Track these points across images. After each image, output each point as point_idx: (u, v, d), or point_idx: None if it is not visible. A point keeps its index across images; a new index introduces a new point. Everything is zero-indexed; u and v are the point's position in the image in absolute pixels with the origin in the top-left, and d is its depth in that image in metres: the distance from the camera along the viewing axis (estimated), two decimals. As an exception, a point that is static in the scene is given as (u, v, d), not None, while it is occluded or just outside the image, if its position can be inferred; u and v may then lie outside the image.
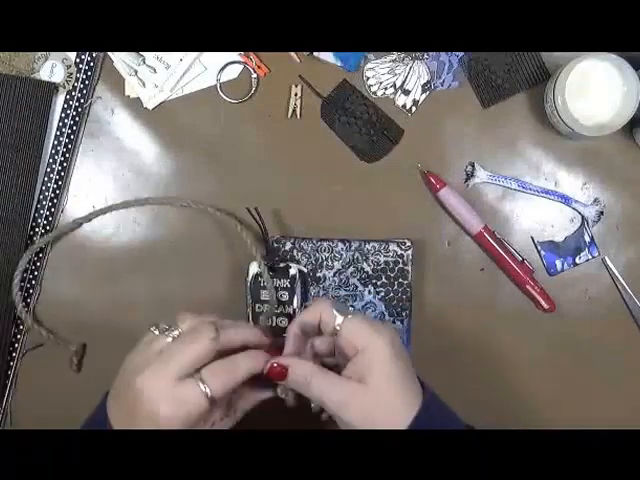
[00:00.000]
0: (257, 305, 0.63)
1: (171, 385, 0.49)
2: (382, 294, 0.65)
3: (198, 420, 0.50)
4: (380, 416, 0.50)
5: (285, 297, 0.63)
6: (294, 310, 0.63)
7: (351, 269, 0.65)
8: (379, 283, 0.65)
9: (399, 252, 0.65)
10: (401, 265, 0.65)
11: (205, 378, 0.50)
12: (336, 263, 0.65)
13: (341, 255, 0.65)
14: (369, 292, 0.65)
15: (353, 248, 0.65)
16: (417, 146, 0.68)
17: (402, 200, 0.68)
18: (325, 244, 0.65)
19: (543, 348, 0.68)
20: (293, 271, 0.63)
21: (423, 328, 0.67)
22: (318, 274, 0.65)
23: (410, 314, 0.66)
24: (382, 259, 0.65)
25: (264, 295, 0.63)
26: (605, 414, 0.67)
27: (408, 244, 0.65)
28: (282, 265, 0.63)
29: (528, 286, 0.66)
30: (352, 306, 0.65)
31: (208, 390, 0.49)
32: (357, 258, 0.65)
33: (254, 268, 0.63)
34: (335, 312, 0.52)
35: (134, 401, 0.50)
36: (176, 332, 0.52)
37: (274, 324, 0.63)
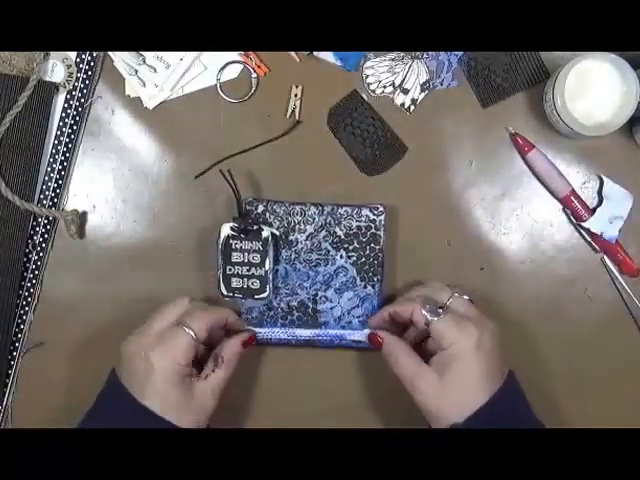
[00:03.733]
0: (228, 267, 0.64)
1: (156, 338, 0.58)
2: (354, 258, 0.66)
3: (187, 362, 0.58)
4: (447, 408, 0.55)
5: (257, 259, 0.63)
6: (265, 272, 0.63)
7: (323, 233, 0.66)
8: (351, 248, 0.66)
9: (371, 217, 0.66)
10: (373, 230, 0.66)
11: (188, 322, 0.58)
12: (308, 227, 0.66)
13: (313, 219, 0.66)
14: (341, 256, 0.66)
15: (326, 212, 0.66)
16: (416, 145, 0.68)
17: (393, 194, 0.68)
18: (298, 207, 0.66)
19: (543, 347, 0.68)
20: (265, 233, 0.63)
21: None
22: (290, 237, 0.66)
23: (382, 279, 0.66)
24: (354, 224, 0.66)
25: (235, 257, 0.63)
26: (605, 413, 0.67)
27: (380, 209, 0.66)
28: (254, 228, 0.63)
29: (619, 248, 0.67)
30: (324, 270, 0.67)
31: (191, 331, 0.58)
32: (329, 222, 0.66)
33: (226, 230, 0.63)
34: (424, 313, 0.58)
35: (128, 365, 0.58)
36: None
37: (245, 286, 0.64)
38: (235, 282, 0.64)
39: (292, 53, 0.68)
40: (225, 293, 0.65)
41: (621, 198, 0.67)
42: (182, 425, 0.56)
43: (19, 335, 0.68)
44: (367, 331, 0.65)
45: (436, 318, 0.57)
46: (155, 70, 0.68)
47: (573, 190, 0.67)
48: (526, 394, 0.59)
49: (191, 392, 0.58)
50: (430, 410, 0.56)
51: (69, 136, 0.68)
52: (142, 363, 0.57)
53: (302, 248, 0.66)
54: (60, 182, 0.68)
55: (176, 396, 0.57)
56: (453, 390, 0.55)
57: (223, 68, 0.68)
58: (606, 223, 0.67)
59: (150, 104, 0.68)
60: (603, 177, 0.67)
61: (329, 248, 0.66)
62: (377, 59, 0.68)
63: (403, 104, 0.68)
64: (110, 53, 0.68)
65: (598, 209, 0.67)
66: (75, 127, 0.68)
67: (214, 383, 0.59)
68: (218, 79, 0.68)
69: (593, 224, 0.66)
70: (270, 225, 0.66)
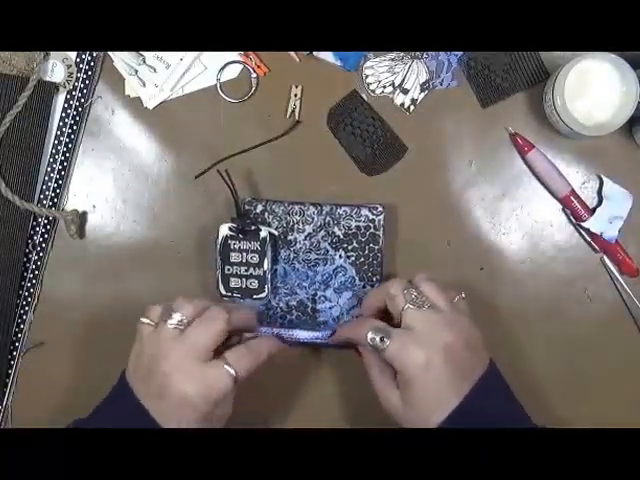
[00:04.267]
0: (227, 267, 0.64)
1: (199, 368, 0.54)
2: (353, 258, 0.66)
3: (222, 399, 0.55)
4: (414, 423, 0.56)
5: (255, 259, 0.63)
6: (264, 272, 0.64)
7: (322, 233, 0.66)
8: (350, 247, 0.66)
9: (370, 217, 0.66)
10: (372, 230, 0.66)
11: (231, 362, 0.55)
12: (307, 227, 0.66)
13: (312, 219, 0.66)
14: (340, 256, 0.66)
15: (324, 212, 0.66)
16: (415, 145, 0.68)
17: (393, 194, 0.68)
18: (297, 207, 0.66)
19: (543, 347, 0.68)
20: (263, 234, 0.64)
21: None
22: (289, 237, 0.66)
23: (381, 279, 0.66)
24: (353, 224, 0.66)
25: (234, 257, 0.63)
26: (605, 413, 0.67)
27: (380, 209, 0.66)
28: (253, 228, 0.63)
29: (618, 248, 0.67)
30: (323, 270, 0.66)
31: (233, 371, 0.54)
32: (328, 222, 0.66)
33: (224, 230, 0.63)
34: (371, 344, 0.56)
35: (163, 385, 0.54)
36: (178, 317, 0.56)
37: (244, 286, 0.64)
38: (234, 282, 0.64)
39: (292, 53, 0.68)
40: (224, 293, 0.65)
41: (621, 198, 0.67)
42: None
43: (19, 335, 0.68)
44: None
45: (383, 346, 0.55)
46: (155, 70, 0.68)
47: (573, 190, 0.67)
48: (524, 393, 0.58)
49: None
50: (400, 423, 0.57)
51: (69, 136, 0.68)
52: (169, 386, 0.53)
53: (301, 248, 0.66)
54: (60, 182, 0.68)
55: (199, 426, 0.55)
56: (415, 409, 0.55)
57: (223, 68, 0.68)
58: (606, 223, 0.67)
59: (150, 104, 0.68)
60: (603, 177, 0.67)
61: (328, 248, 0.66)
62: (377, 59, 0.68)
63: (403, 104, 0.68)
64: (110, 53, 0.68)
65: (598, 209, 0.67)
66: (75, 127, 0.68)
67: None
68: (218, 79, 0.68)
69: (593, 224, 0.66)
70: (269, 225, 0.66)
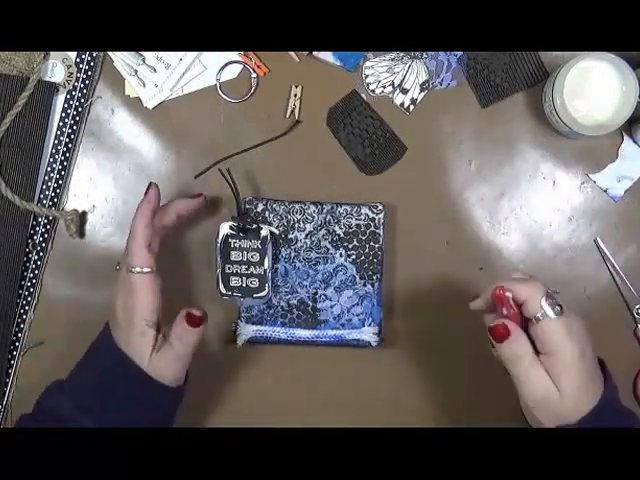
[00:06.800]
0: (227, 266, 0.64)
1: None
2: (353, 257, 0.66)
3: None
4: (566, 417, 0.53)
5: (256, 258, 0.63)
6: (264, 271, 0.64)
7: (323, 231, 0.66)
8: (350, 246, 0.66)
9: (371, 215, 0.66)
10: (372, 228, 0.66)
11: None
12: (308, 225, 0.66)
13: (313, 217, 0.66)
14: (340, 255, 0.66)
15: (325, 211, 0.66)
16: (415, 145, 0.68)
17: (392, 193, 0.68)
18: (297, 206, 0.66)
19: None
20: (264, 232, 0.64)
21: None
22: (290, 236, 0.66)
23: (381, 278, 0.66)
24: (354, 222, 0.66)
25: (234, 256, 0.63)
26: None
27: (380, 207, 0.66)
28: (253, 226, 0.63)
29: None
30: (324, 268, 0.66)
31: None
32: (329, 221, 0.66)
33: (225, 229, 0.64)
34: (544, 306, 0.52)
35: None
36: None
37: (244, 285, 0.64)
38: (234, 281, 0.64)
39: (292, 53, 0.68)
40: (224, 292, 0.65)
41: (637, 159, 0.66)
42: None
43: (19, 334, 0.68)
44: (366, 329, 0.65)
45: (553, 316, 0.52)
46: (155, 70, 0.68)
47: None
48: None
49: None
50: (547, 414, 0.54)
51: (69, 136, 0.68)
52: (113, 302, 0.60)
53: (302, 246, 0.66)
54: (60, 182, 0.69)
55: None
56: (570, 398, 0.52)
57: (223, 68, 0.68)
58: (614, 180, 0.66)
59: (150, 104, 0.68)
60: (625, 135, 0.67)
61: (329, 246, 0.66)
62: (376, 59, 0.68)
63: (402, 104, 0.68)
64: (110, 53, 0.68)
65: (610, 165, 0.67)
66: (75, 127, 0.68)
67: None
68: (218, 79, 0.68)
69: (601, 179, 0.66)
70: (270, 224, 0.66)
